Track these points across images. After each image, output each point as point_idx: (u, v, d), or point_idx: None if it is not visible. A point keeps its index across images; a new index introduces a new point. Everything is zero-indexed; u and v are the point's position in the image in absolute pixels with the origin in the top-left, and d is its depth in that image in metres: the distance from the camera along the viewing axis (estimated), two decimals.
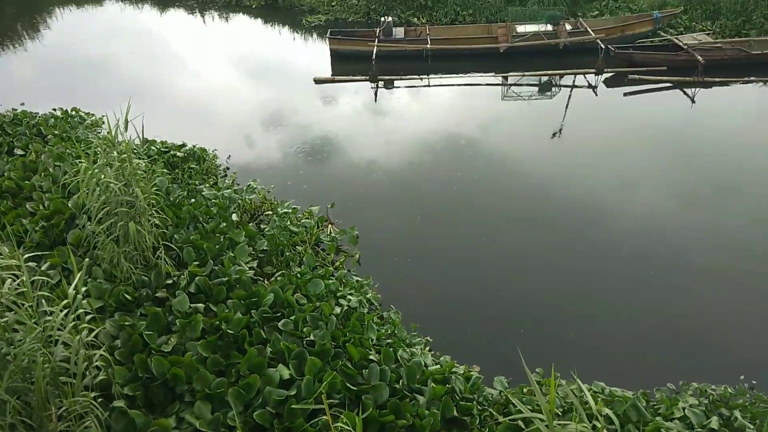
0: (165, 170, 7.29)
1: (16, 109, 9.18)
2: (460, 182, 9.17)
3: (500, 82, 13.06)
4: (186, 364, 4.16)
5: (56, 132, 8.41)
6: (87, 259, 4.75)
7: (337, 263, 6.51)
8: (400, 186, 9.05)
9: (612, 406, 4.21)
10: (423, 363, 4.45)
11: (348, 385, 3.98)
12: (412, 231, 7.83)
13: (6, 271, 3.85)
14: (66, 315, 3.57)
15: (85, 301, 3.76)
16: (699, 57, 12.36)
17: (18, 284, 3.74)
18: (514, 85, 12.95)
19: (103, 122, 9.77)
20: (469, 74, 13.50)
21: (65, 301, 3.51)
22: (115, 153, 5.07)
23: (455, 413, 4.02)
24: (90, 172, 4.78)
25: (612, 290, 6.95)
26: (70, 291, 3.56)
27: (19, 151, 7.68)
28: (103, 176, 4.93)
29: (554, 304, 6.64)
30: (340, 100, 12.50)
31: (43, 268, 4.95)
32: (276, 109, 12.09)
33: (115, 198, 4.92)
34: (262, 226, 6.90)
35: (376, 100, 12.48)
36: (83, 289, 3.73)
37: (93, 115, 9.87)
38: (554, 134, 10.94)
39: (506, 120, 11.73)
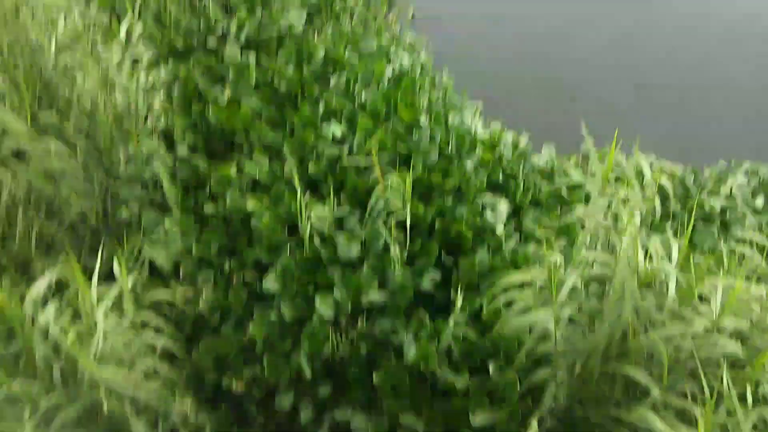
0: None
1: None
2: None
3: None
4: (242, 116, 4.25)
5: None
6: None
7: (391, 18, 6.15)
8: None
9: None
10: (473, 129, 4.44)
11: (373, 141, 4.05)
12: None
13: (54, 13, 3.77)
14: (123, 57, 3.57)
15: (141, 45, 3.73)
16: None
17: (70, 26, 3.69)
18: None
19: None
20: None
21: (119, 41, 3.47)
22: None
23: (500, 179, 4.13)
24: None
25: (671, 58, 6.52)
26: (123, 31, 3.50)
27: None
28: None
29: (612, 73, 6.34)
30: None
31: (91, 11, 4.83)
32: None
33: None
34: None
35: None
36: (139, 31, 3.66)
37: None
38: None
39: None
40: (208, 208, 3.94)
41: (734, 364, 2.20)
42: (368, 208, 3.46)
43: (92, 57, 3.64)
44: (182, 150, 4.09)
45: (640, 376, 2.10)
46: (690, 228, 2.36)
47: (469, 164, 4.10)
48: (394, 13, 6.23)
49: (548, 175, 4.55)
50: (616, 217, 2.74)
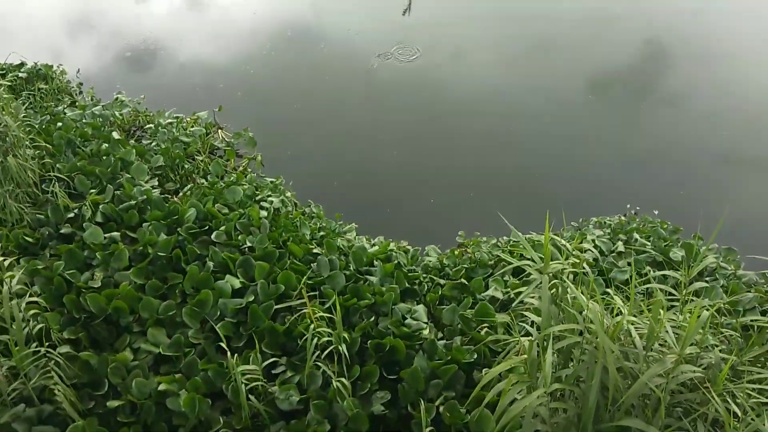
0: (11, 95, 6.32)
1: None
2: (315, 65, 9.08)
3: None
4: (125, 296, 3.92)
5: None
6: None
7: (241, 168, 6.25)
8: (267, 78, 8.75)
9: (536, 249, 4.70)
10: (363, 246, 4.58)
11: (306, 280, 4.02)
12: (300, 123, 7.68)
13: None
14: None
15: None
16: None
17: None
18: None
19: None
20: None
21: None
22: None
23: (406, 285, 4.25)
24: None
25: (492, 151, 7.41)
26: None
27: None
28: None
29: (446, 171, 6.99)
30: None
31: None
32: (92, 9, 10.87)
33: None
34: (144, 141, 6.36)
35: None
36: None
37: None
38: (405, 11, 11.01)
39: None
40: (112, 404, 3.47)
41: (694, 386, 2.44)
42: (308, 347, 3.31)
43: None
44: (64, 348, 3.62)
45: (639, 424, 2.22)
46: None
47: (375, 279, 4.18)
48: (243, 162, 6.35)
49: (439, 271, 4.79)
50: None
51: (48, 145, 5.03)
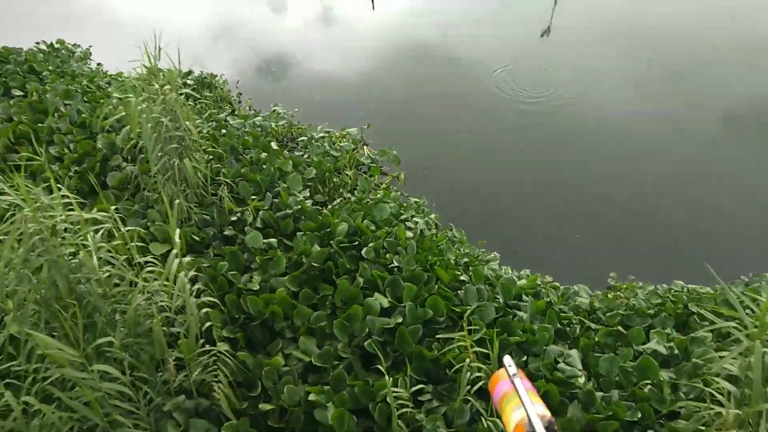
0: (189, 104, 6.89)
1: None
2: (461, 84, 9.08)
3: None
4: (280, 301, 4.06)
5: (50, 68, 7.77)
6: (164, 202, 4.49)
7: (383, 185, 6.34)
8: (412, 96, 8.86)
9: (701, 302, 4.31)
10: (513, 279, 4.44)
11: (453, 308, 3.96)
12: (444, 144, 7.70)
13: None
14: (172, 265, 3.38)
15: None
16: None
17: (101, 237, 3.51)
18: None
19: (91, 53, 9.14)
20: None
21: (175, 251, 3.31)
22: (156, 85, 4.70)
23: (558, 325, 4.05)
24: (139, 107, 4.43)
25: (641, 190, 6.97)
26: (177, 239, 3.35)
27: (17, 92, 7.10)
28: (148, 111, 4.58)
29: (592, 206, 6.67)
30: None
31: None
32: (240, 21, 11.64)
33: (166, 134, 4.60)
34: (296, 153, 6.64)
35: (373, 8, 11.90)
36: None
37: (79, 46, 9.15)
38: (543, 33, 10.74)
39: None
40: (264, 407, 3.59)
41: None
42: (461, 381, 3.23)
43: (136, 266, 3.46)
44: (224, 346, 3.80)
45: None
46: None
47: (525, 315, 4.02)
48: (386, 180, 6.45)
49: (589, 314, 4.53)
50: None
51: (219, 150, 5.38)
